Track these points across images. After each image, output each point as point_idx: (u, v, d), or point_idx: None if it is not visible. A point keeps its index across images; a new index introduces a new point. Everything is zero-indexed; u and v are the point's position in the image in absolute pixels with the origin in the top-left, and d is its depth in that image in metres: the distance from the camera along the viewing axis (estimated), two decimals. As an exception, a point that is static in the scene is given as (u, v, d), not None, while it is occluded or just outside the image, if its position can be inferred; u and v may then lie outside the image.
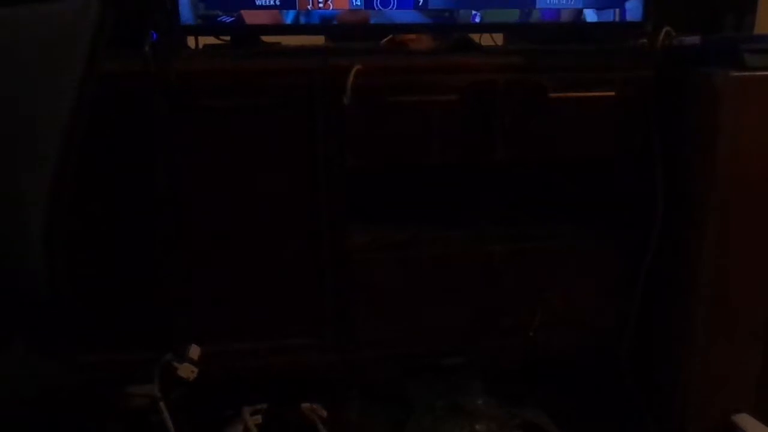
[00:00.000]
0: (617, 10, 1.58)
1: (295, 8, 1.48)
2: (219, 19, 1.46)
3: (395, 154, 1.44)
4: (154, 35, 1.43)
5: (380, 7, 1.51)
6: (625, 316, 1.58)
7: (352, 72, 1.36)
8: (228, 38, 1.58)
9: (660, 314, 1.57)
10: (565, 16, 1.56)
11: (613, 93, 1.46)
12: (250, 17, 1.47)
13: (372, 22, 1.51)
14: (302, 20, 1.49)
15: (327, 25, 1.52)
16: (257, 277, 1.46)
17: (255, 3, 1.46)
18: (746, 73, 1.34)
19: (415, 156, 1.45)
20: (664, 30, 1.54)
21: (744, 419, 1.53)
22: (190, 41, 1.63)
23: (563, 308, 1.57)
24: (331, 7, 1.49)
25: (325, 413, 1.55)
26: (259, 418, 1.53)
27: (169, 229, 1.40)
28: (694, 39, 1.49)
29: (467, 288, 1.54)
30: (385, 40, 1.67)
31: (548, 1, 1.55)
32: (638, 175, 1.52)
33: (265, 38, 1.61)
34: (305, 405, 1.55)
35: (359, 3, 1.49)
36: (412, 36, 1.65)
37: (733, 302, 1.47)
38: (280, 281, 1.47)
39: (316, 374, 1.54)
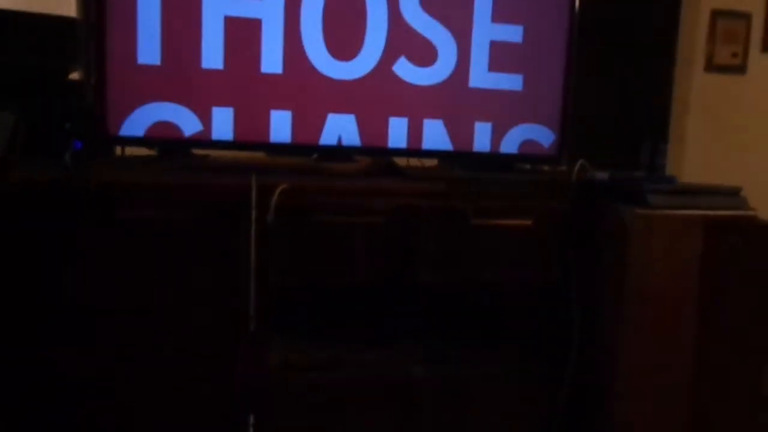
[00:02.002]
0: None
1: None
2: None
3: (319, 273, 1.44)
4: (78, 144, 1.42)
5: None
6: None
7: (277, 192, 1.37)
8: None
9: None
10: (490, 146, 1.65)
11: (531, 222, 1.52)
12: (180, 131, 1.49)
13: (301, 141, 1.55)
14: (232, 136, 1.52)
15: (256, 143, 1.55)
16: (167, 393, 1.38)
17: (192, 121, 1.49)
18: (650, 212, 1.43)
19: (338, 276, 1.45)
20: (578, 163, 1.63)
21: None
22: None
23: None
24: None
25: None
26: None
27: (76, 340, 1.32)
28: (603, 175, 1.59)
29: (387, 412, 1.50)
30: (315, 156, 1.71)
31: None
32: (557, 300, 1.56)
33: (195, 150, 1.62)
34: None
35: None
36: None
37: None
38: (194, 399, 1.39)
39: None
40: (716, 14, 2.83)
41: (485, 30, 1.61)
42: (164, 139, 1.49)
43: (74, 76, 1.51)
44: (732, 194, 1.54)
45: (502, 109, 1.65)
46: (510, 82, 1.64)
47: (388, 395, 1.50)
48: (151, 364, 1.37)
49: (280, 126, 1.53)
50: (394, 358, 1.53)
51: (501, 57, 1.63)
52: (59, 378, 1.32)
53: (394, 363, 1.52)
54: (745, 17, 2.85)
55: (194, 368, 1.39)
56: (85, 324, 1.33)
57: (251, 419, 1.41)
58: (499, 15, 1.61)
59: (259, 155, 1.67)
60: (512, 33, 1.63)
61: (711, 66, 2.86)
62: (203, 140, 1.51)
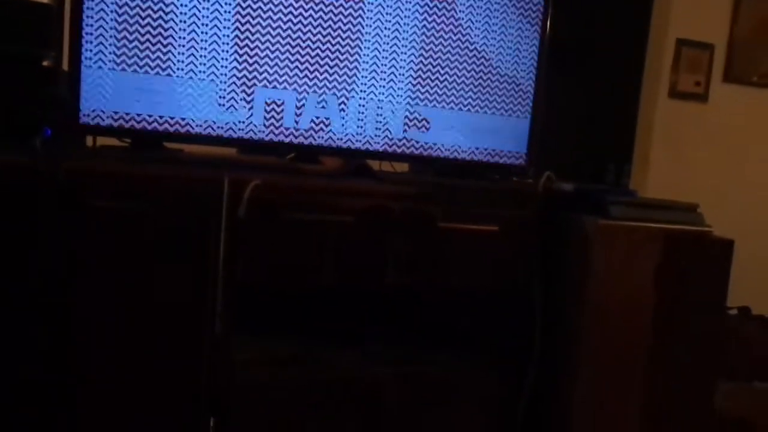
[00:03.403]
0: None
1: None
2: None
3: (288, 271, 1.44)
4: (48, 132, 1.40)
5: (287, 126, 1.57)
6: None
7: (250, 186, 1.37)
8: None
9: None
10: (460, 153, 1.69)
11: (497, 228, 1.56)
12: (153, 123, 1.48)
13: (278, 140, 1.57)
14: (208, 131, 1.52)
15: (232, 138, 1.55)
16: (129, 389, 1.36)
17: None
18: (611, 222, 1.48)
19: (307, 275, 1.45)
20: (545, 174, 1.68)
21: None
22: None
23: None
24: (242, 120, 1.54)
25: None
26: None
27: (43, 333, 1.30)
28: (569, 186, 1.64)
29: (353, 412, 1.50)
30: (290, 156, 1.72)
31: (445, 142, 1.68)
32: (520, 306, 1.59)
33: (168, 144, 1.62)
34: None
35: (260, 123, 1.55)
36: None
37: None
38: (157, 396, 1.38)
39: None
40: (681, 43, 2.94)
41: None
42: (137, 130, 1.49)
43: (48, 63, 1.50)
44: (690, 210, 1.61)
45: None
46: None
47: (354, 396, 1.50)
48: (112, 358, 1.35)
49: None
50: (361, 357, 1.54)
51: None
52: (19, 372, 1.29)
53: (361, 363, 1.53)
54: (709, 48, 2.98)
55: (157, 364, 1.38)
56: (44, 315, 1.30)
57: (211, 422, 1.40)
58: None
59: (233, 152, 1.68)
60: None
61: (675, 93, 2.97)
62: (177, 133, 1.51)
